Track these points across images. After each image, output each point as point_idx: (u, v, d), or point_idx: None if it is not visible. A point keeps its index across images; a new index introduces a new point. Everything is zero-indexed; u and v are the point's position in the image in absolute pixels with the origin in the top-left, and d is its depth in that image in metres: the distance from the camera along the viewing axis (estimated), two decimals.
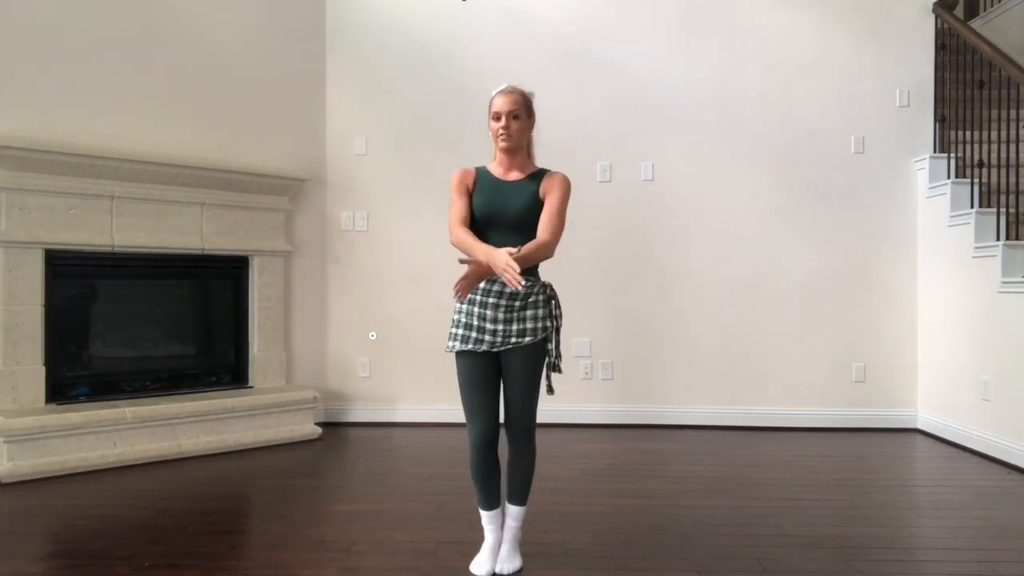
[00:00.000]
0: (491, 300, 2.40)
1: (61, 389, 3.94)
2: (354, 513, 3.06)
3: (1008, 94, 4.17)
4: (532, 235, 2.42)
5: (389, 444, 4.36)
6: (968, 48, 4.46)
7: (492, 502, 2.52)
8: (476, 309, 2.41)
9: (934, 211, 4.54)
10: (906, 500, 3.28)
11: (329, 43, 4.97)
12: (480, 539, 2.74)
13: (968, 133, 4.48)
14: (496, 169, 2.52)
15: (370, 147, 4.95)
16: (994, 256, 3.95)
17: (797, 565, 2.51)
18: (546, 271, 4.64)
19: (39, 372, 3.80)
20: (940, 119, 4.67)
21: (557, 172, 2.51)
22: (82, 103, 3.97)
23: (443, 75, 4.84)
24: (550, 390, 2.51)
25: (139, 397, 4.07)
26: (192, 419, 4.01)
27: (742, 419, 4.76)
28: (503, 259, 2.21)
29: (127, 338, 4.28)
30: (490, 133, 2.51)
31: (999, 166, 4.09)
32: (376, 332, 4.90)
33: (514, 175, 2.50)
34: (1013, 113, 4.20)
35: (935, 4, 4.69)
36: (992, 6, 6.16)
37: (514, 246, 2.34)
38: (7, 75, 3.75)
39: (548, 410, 4.77)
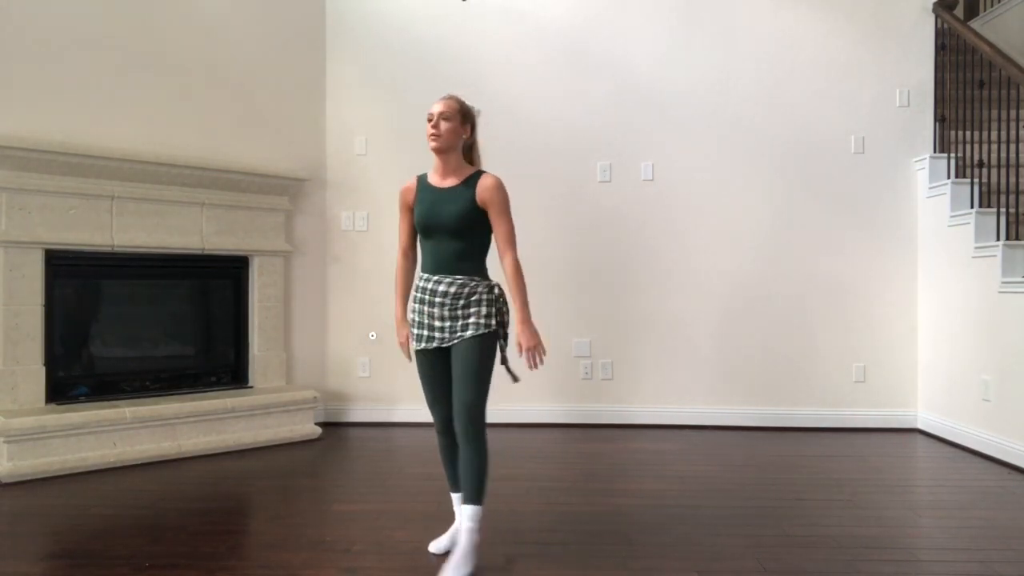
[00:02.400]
0: (437, 300, 2.49)
1: (61, 389, 3.94)
2: (354, 513, 3.06)
3: (1008, 94, 4.17)
4: (470, 241, 2.50)
5: (389, 444, 4.36)
6: (968, 48, 4.46)
7: (456, 485, 2.66)
8: (426, 308, 2.51)
9: (934, 211, 4.54)
10: (906, 500, 3.28)
11: (329, 43, 4.97)
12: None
13: (968, 133, 4.48)
14: (433, 176, 2.58)
15: (370, 147, 4.95)
16: (994, 256, 3.95)
17: (797, 565, 2.51)
18: (546, 270, 4.62)
19: (39, 372, 3.80)
20: (940, 119, 4.67)
21: (488, 176, 2.53)
22: (82, 103, 3.97)
23: (443, 75, 4.84)
24: (514, 379, 2.56)
25: (139, 397, 4.07)
26: (192, 419, 4.01)
27: (742, 419, 4.76)
28: (399, 339, 2.64)
29: (127, 338, 4.28)
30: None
31: (999, 166, 4.09)
32: (376, 332, 4.90)
33: (450, 181, 2.54)
34: (1013, 113, 4.20)
35: (935, 4, 4.69)
36: (992, 6, 6.16)
37: (453, 253, 2.48)
38: (7, 75, 3.75)
39: (548, 410, 4.83)
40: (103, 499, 3.24)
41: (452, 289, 2.47)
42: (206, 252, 4.37)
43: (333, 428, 4.74)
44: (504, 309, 2.56)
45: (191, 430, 4.01)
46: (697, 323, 4.80)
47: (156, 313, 4.41)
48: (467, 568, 2.42)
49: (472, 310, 2.48)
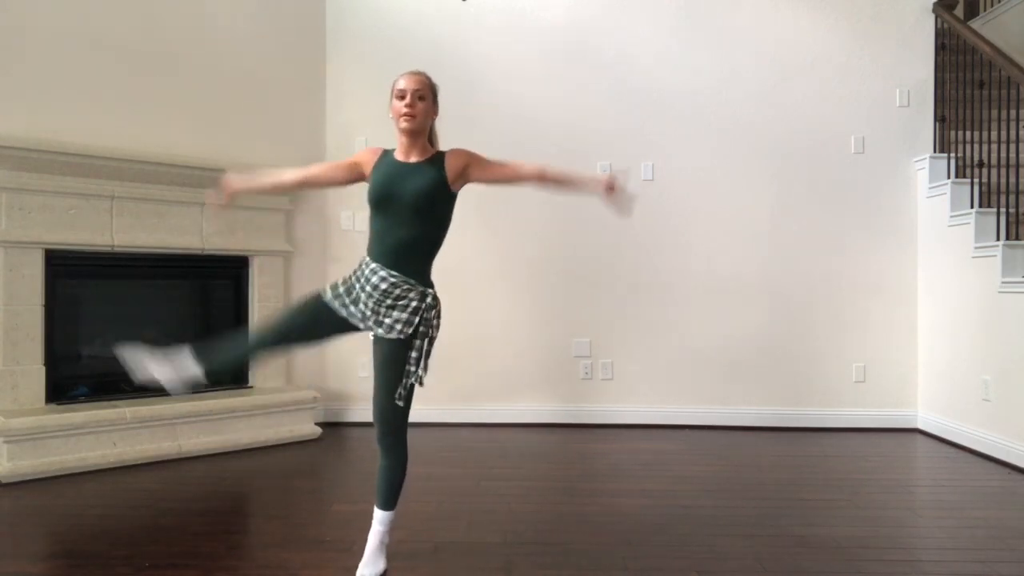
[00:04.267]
0: (367, 289, 2.35)
1: (61, 389, 3.93)
2: (354, 513, 3.05)
3: (1008, 94, 4.17)
4: (424, 229, 2.37)
5: None
6: (968, 48, 4.46)
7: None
8: (355, 286, 2.39)
9: (934, 211, 4.54)
10: (906, 500, 3.28)
11: (329, 43, 4.97)
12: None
13: (968, 133, 4.48)
14: (398, 153, 2.46)
15: (370, 147, 4.94)
16: (994, 256, 3.95)
17: (797, 565, 2.51)
18: (546, 269, 4.58)
19: (39, 372, 3.80)
20: (940, 119, 4.67)
21: (454, 149, 2.45)
22: (82, 103, 3.97)
23: (443, 74, 4.77)
24: (420, 382, 2.41)
25: (139, 397, 4.06)
26: (192, 419, 4.00)
27: (742, 419, 4.76)
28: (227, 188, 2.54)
29: (127, 338, 4.26)
30: (392, 115, 2.45)
31: (999, 166, 4.09)
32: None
33: (415, 158, 2.43)
34: (1013, 113, 4.20)
35: (935, 4, 4.69)
36: (992, 6, 6.16)
37: (408, 235, 2.34)
38: (7, 75, 3.75)
39: (548, 410, 4.83)
40: (103, 499, 3.24)
41: (383, 286, 2.32)
42: (206, 252, 4.36)
43: (333, 428, 4.74)
44: (434, 323, 2.39)
45: (191, 430, 4.00)
46: (697, 323, 4.80)
47: (156, 313, 4.40)
48: (379, 565, 2.39)
49: (395, 312, 2.34)
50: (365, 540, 2.71)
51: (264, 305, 4.60)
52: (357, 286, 2.40)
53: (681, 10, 4.84)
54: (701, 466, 3.83)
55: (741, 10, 4.81)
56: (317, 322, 2.45)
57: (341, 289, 2.42)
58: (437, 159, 2.43)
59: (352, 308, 2.40)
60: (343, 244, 4.95)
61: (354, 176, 2.52)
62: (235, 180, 2.59)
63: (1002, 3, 5.97)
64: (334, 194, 4.94)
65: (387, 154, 2.48)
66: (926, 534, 2.87)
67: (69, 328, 4.02)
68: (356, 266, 2.44)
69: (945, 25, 4.65)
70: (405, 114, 2.38)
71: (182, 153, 4.24)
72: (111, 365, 4.20)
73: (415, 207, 2.34)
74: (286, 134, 4.76)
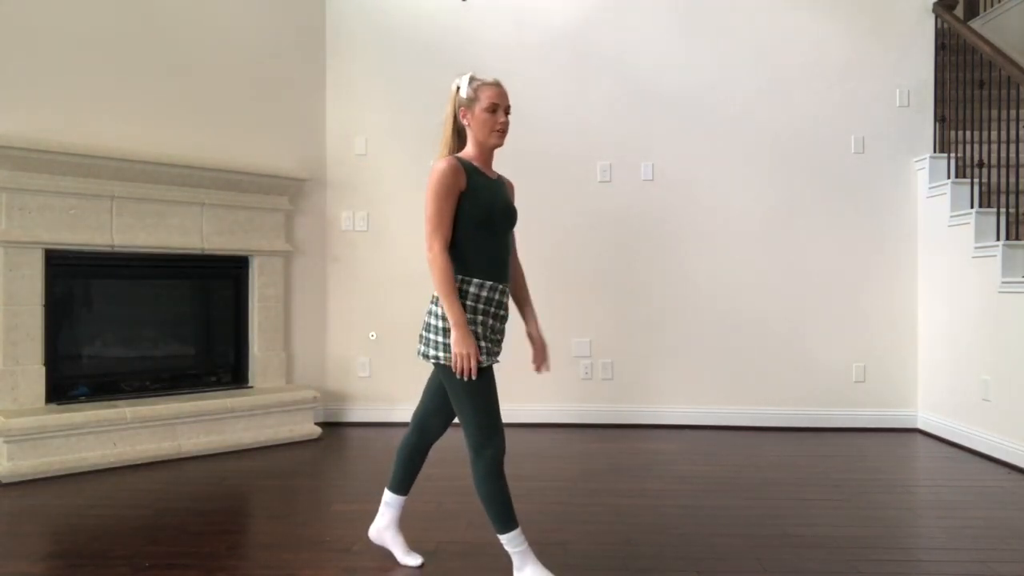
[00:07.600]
0: (502, 313, 2.31)
1: (61, 389, 3.94)
2: (354, 513, 3.06)
3: (1008, 94, 4.17)
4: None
5: (389, 444, 4.36)
6: (968, 48, 4.46)
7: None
8: (490, 321, 2.27)
9: (934, 211, 4.54)
10: (906, 500, 3.28)
11: (329, 43, 4.97)
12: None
13: (968, 133, 4.48)
14: (478, 165, 2.32)
15: (370, 147, 4.95)
16: (994, 256, 3.95)
17: (797, 565, 2.51)
18: (546, 270, 4.60)
19: (39, 372, 3.80)
20: (940, 119, 4.68)
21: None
22: (82, 103, 3.97)
23: (443, 74, 4.81)
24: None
25: (139, 397, 4.07)
26: (192, 419, 4.01)
27: (742, 419, 4.76)
28: (468, 350, 2.15)
29: (127, 338, 4.28)
30: (476, 124, 2.30)
31: (999, 166, 4.09)
32: (376, 332, 4.91)
33: (492, 174, 2.36)
34: (1013, 113, 4.21)
35: (935, 4, 4.69)
36: (992, 6, 6.16)
37: (507, 255, 2.31)
38: (7, 75, 3.75)
39: (548, 410, 4.83)
40: (103, 499, 3.24)
41: (507, 300, 2.33)
42: (206, 252, 4.37)
43: (333, 428, 4.74)
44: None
45: (191, 430, 4.01)
46: (697, 323, 4.80)
47: (156, 313, 4.41)
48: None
49: (500, 326, 2.34)
50: (365, 540, 2.72)
51: (264, 305, 4.60)
52: (490, 322, 2.27)
53: (681, 10, 4.84)
54: (701, 466, 3.82)
55: (741, 10, 4.81)
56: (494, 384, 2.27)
57: (484, 344, 2.22)
58: (502, 180, 2.41)
59: (493, 347, 2.28)
60: (343, 244, 4.95)
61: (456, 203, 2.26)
62: (470, 339, 2.18)
63: (1002, 3, 5.97)
64: (334, 194, 4.95)
65: (468, 165, 2.27)
66: (926, 534, 2.87)
67: (69, 328, 4.03)
68: (471, 300, 2.23)
69: (945, 25, 4.65)
70: (502, 131, 2.31)
71: (182, 153, 4.25)
72: (111, 365, 4.23)
73: (514, 223, 2.37)
74: (286, 134, 4.77)
